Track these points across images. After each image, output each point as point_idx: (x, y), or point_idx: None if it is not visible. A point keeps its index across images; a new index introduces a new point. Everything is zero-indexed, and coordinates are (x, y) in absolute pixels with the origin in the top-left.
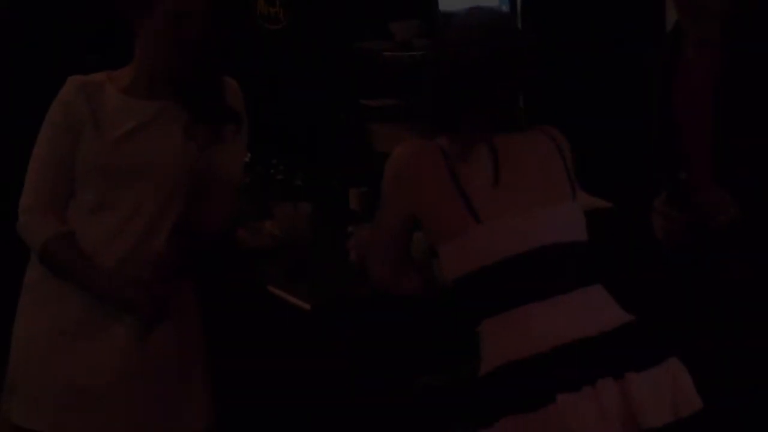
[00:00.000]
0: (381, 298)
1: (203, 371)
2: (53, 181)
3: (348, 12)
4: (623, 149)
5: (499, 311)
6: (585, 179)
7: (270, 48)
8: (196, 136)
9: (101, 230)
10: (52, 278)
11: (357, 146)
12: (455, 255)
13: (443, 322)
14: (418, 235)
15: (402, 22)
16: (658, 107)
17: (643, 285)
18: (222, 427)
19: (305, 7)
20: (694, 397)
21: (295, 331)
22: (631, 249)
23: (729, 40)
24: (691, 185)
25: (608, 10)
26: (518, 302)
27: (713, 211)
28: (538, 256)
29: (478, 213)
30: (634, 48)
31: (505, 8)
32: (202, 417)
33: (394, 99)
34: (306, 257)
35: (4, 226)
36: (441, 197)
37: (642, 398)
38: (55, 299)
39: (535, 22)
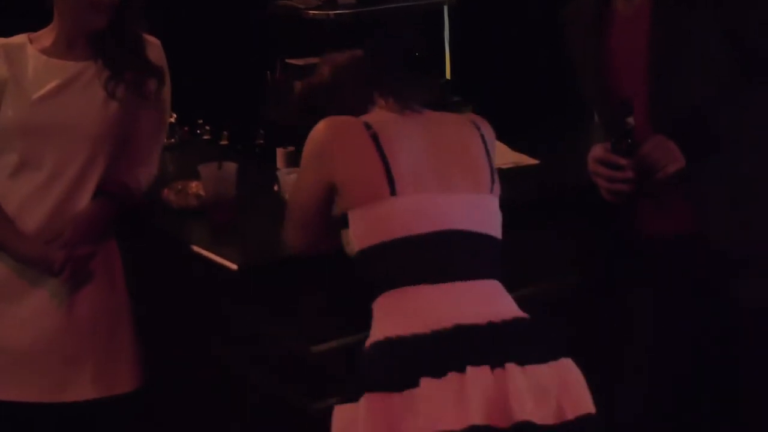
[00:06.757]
0: (309, 257)
1: (129, 333)
2: None
3: None
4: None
5: (394, 287)
6: (511, 136)
7: (194, 6)
8: (118, 93)
9: (25, 191)
10: None
11: (283, 105)
12: (364, 223)
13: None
14: None
15: None
16: (591, 61)
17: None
18: (150, 389)
19: None
20: (585, 401)
21: (223, 292)
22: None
23: None
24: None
25: None
26: (413, 281)
27: (662, 161)
28: (444, 238)
29: (396, 185)
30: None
31: None
32: (130, 379)
33: (319, 58)
34: (232, 217)
35: None
36: (362, 162)
37: (518, 390)
38: None
39: None
